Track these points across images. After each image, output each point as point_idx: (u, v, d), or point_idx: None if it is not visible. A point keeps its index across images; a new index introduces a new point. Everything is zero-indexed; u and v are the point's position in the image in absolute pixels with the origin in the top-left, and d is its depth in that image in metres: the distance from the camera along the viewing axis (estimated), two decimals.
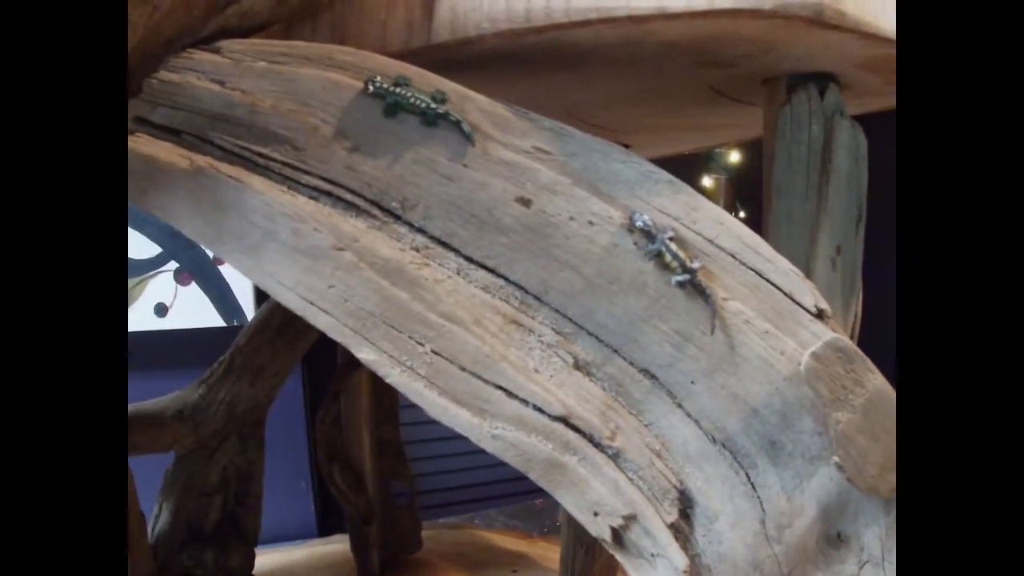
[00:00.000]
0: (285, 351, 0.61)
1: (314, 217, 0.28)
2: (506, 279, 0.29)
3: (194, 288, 0.92)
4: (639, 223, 0.28)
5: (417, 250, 0.29)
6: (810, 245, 0.34)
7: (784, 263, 0.30)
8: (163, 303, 0.89)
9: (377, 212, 0.29)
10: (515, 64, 0.34)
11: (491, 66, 0.34)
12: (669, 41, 0.30)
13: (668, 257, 0.28)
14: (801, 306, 0.30)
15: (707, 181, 1.20)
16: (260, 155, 0.30)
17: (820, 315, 0.30)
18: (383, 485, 0.68)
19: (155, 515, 0.62)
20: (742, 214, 1.22)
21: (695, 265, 0.28)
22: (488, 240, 0.28)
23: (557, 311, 0.29)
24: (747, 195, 1.16)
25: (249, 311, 0.92)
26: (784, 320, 0.30)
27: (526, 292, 0.29)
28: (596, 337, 0.30)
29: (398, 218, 0.29)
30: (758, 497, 0.32)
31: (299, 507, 0.96)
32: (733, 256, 0.29)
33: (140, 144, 0.32)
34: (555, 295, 0.29)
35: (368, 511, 0.65)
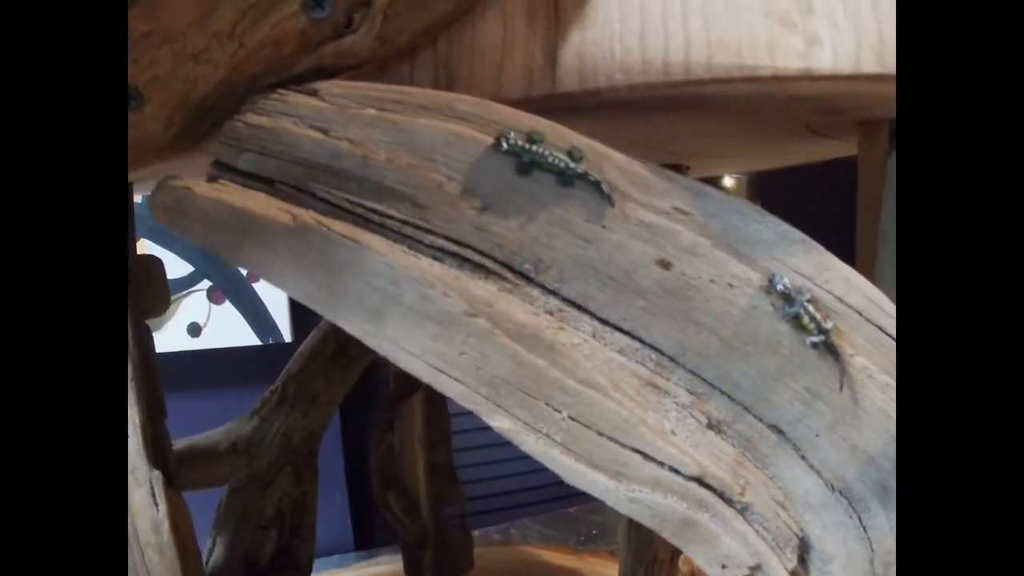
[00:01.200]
0: (339, 378, 0.60)
1: (443, 281, 0.28)
2: (642, 341, 0.28)
3: (228, 307, 0.90)
4: (779, 286, 0.28)
5: (551, 313, 0.28)
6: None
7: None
8: (196, 323, 0.87)
9: (508, 274, 0.28)
10: (615, 106, 0.34)
11: (584, 106, 0.34)
12: (797, 96, 0.29)
13: (806, 319, 0.28)
14: None
15: (728, 181, 1.20)
16: (375, 212, 0.29)
17: None
18: (435, 508, 0.68)
19: (208, 549, 0.61)
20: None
21: (828, 325, 0.28)
22: (626, 303, 0.28)
23: (692, 372, 0.29)
24: (766, 195, 1.16)
25: (285, 329, 0.91)
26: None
27: (662, 354, 0.29)
28: (729, 396, 0.30)
29: (530, 280, 0.28)
30: (868, 538, 0.32)
31: (335, 521, 0.96)
32: (859, 313, 0.29)
33: (228, 194, 0.31)
34: (691, 356, 0.28)
35: (423, 536, 0.65)
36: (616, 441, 0.28)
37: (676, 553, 0.61)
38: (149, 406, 0.49)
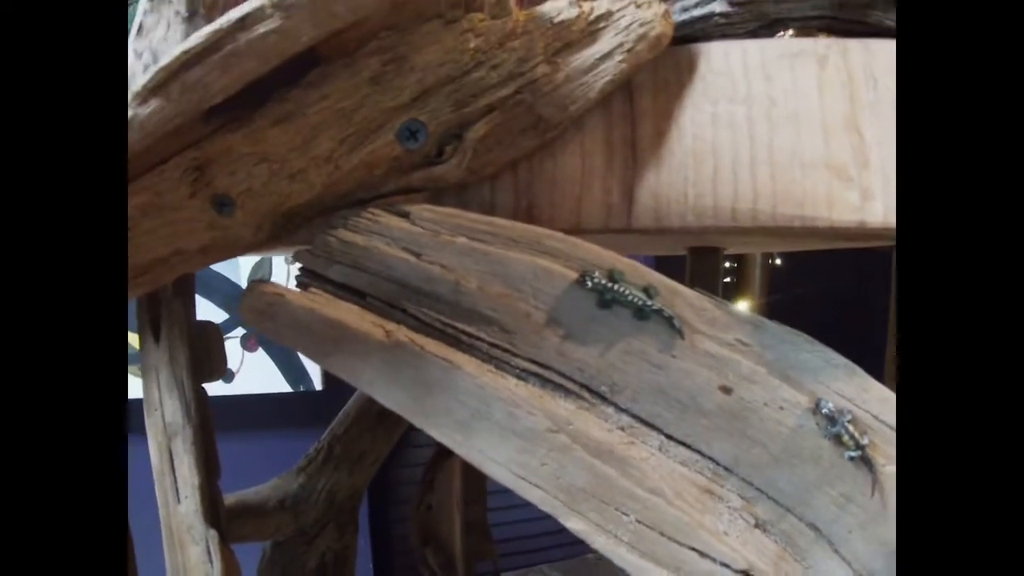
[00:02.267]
0: (384, 437, 0.64)
1: (528, 401, 0.31)
2: (702, 454, 0.32)
3: (261, 354, 0.94)
4: (824, 409, 0.31)
5: (623, 429, 0.32)
6: None
7: None
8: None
9: (586, 395, 0.32)
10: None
11: None
12: (850, 237, 0.33)
13: (845, 437, 0.32)
14: None
15: None
16: (466, 333, 0.33)
17: None
18: (469, 563, 0.71)
19: None
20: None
21: (865, 441, 0.32)
22: (690, 421, 0.31)
23: (744, 480, 0.33)
24: None
25: (315, 377, 0.95)
26: None
27: (718, 465, 0.32)
28: (775, 500, 0.33)
29: (606, 400, 0.32)
30: None
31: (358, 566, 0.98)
32: (891, 428, 0.33)
33: (320, 304, 0.34)
34: (744, 467, 0.32)
35: None
36: (676, 541, 0.32)
37: None
38: (207, 467, 0.52)
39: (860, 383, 0.34)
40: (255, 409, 0.81)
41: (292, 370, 1.01)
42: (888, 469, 0.35)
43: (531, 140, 0.33)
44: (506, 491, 0.33)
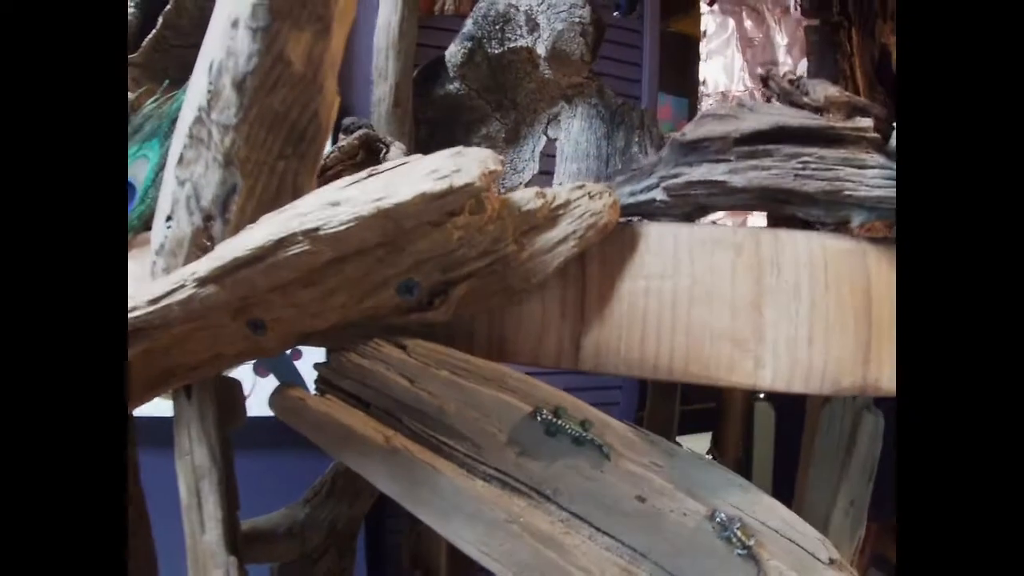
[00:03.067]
0: None
1: (490, 499, 0.45)
2: (622, 543, 0.45)
3: (271, 380, 1.08)
4: (718, 518, 0.44)
5: (562, 522, 0.45)
6: (831, 501, 0.50)
7: (811, 531, 0.47)
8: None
9: (535, 496, 0.45)
10: None
11: None
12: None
13: (734, 539, 0.45)
14: (819, 559, 0.47)
15: None
16: (446, 444, 0.46)
17: (832, 562, 0.47)
18: None
19: None
20: None
21: (751, 543, 0.45)
22: (613, 519, 0.45)
23: (655, 564, 0.46)
24: None
25: None
26: (807, 570, 0.47)
27: (635, 551, 0.46)
28: None
29: (550, 500, 0.45)
30: None
31: None
32: (776, 532, 0.46)
33: (334, 409, 0.47)
34: (655, 555, 0.45)
35: None
36: None
37: None
38: (229, 501, 0.67)
39: (752, 497, 0.47)
40: (265, 429, 0.95)
41: None
42: (772, 563, 0.48)
43: (501, 300, 0.45)
44: None
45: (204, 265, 0.40)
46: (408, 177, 0.38)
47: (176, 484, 0.74)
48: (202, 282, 0.40)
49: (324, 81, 0.49)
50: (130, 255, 0.62)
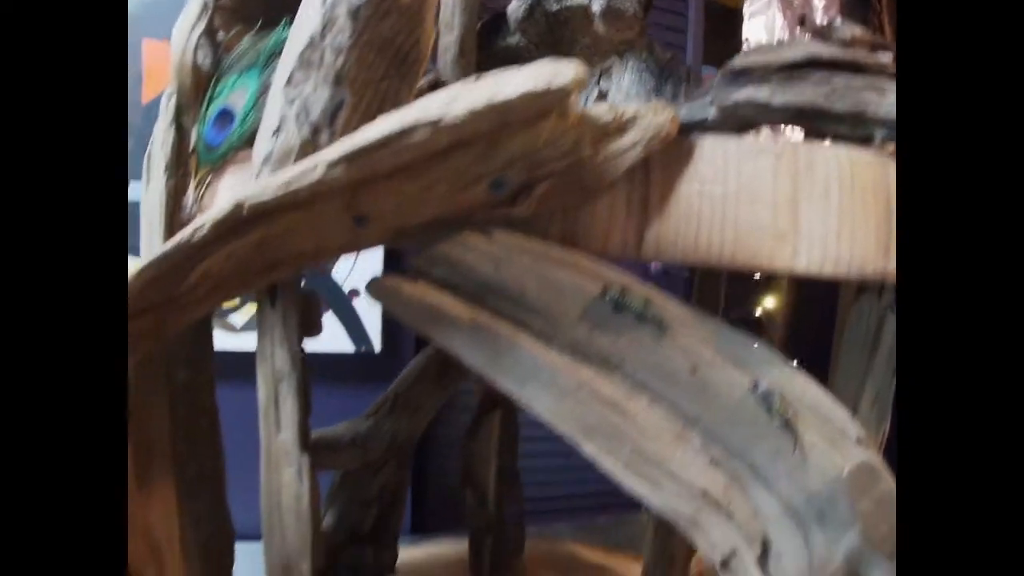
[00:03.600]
0: (438, 394, 0.89)
1: (563, 369, 0.55)
2: (676, 410, 0.56)
3: (330, 316, 1.20)
4: (761, 388, 0.55)
5: (626, 390, 0.56)
6: (859, 393, 0.61)
7: (841, 411, 0.57)
8: None
9: (602, 367, 0.56)
10: None
11: None
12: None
13: (774, 409, 0.55)
14: (848, 436, 0.57)
15: None
16: (525, 320, 0.57)
17: (859, 441, 0.57)
18: (500, 503, 0.97)
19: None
20: None
21: (789, 414, 0.56)
22: (669, 388, 0.55)
23: (704, 430, 0.56)
24: None
25: (376, 340, 1.21)
26: (837, 444, 0.56)
27: (687, 418, 0.56)
28: (724, 446, 0.57)
29: (615, 369, 0.56)
30: (808, 548, 0.59)
31: None
32: (811, 408, 0.56)
33: (425, 293, 0.58)
34: (704, 422, 0.56)
35: (488, 524, 0.94)
36: (656, 465, 0.56)
37: (689, 556, 0.89)
38: (303, 405, 0.78)
39: (790, 374, 0.57)
40: (322, 365, 1.06)
41: (356, 333, 1.28)
42: (809, 435, 0.58)
43: (576, 198, 0.56)
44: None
45: (335, 150, 0.51)
46: (513, 80, 0.48)
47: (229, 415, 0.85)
48: (332, 164, 0.50)
49: (426, 13, 0.60)
50: (228, 171, 0.74)
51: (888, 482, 0.57)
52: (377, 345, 1.28)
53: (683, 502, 0.56)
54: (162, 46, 1.19)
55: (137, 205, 1.14)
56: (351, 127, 0.59)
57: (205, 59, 0.76)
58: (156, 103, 1.18)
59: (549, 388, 0.55)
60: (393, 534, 0.91)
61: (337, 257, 0.64)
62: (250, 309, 1.22)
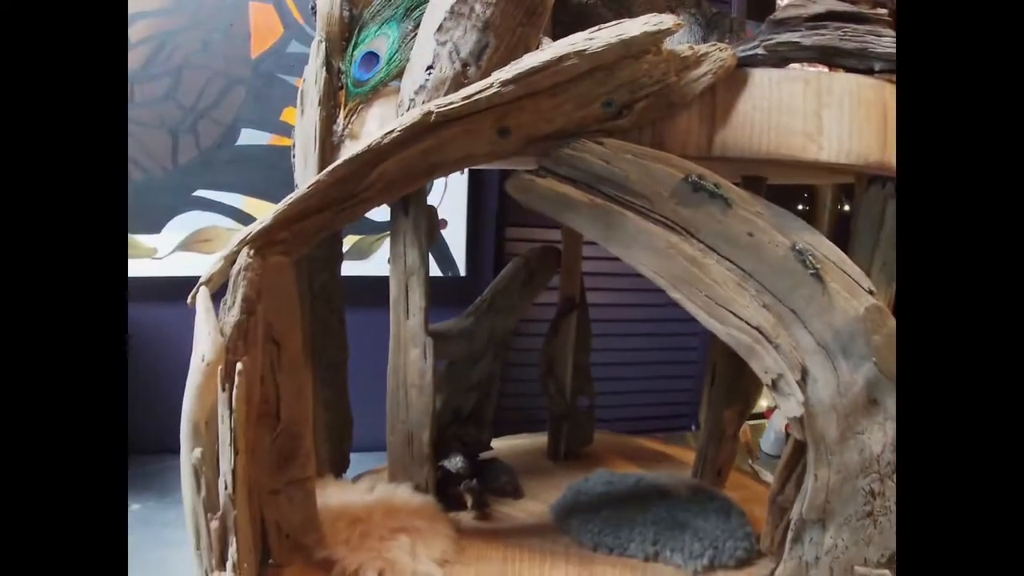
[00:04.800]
0: (527, 297, 1.21)
1: (658, 234, 0.88)
2: (736, 266, 0.89)
3: None
4: (798, 247, 0.88)
5: (701, 251, 0.89)
6: (870, 262, 0.94)
7: (856, 269, 0.90)
8: None
9: (685, 233, 0.89)
10: (735, 161, 0.95)
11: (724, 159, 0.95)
12: (816, 168, 0.90)
13: (808, 262, 0.89)
14: (862, 287, 0.91)
15: None
16: (629, 201, 0.90)
17: (871, 292, 0.91)
18: (574, 395, 1.30)
19: None
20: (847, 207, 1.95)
21: (819, 267, 0.89)
22: (732, 250, 0.88)
23: (758, 281, 0.89)
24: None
25: (461, 266, 1.55)
26: (854, 292, 0.89)
27: (744, 271, 0.89)
28: (772, 293, 0.90)
29: (693, 236, 0.89)
30: (836, 373, 0.92)
31: None
32: (834, 264, 0.89)
33: (554, 185, 0.91)
34: (757, 275, 0.88)
35: (564, 412, 1.26)
36: (723, 307, 0.88)
37: (736, 431, 1.23)
38: (427, 298, 1.11)
39: (819, 239, 0.90)
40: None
41: (444, 259, 1.61)
42: (832, 285, 0.91)
43: (666, 112, 0.89)
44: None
45: (507, 72, 0.83)
46: (633, 24, 0.81)
47: None
48: (505, 83, 0.83)
49: None
50: (375, 102, 1.07)
51: (893, 322, 0.90)
52: (463, 270, 1.61)
53: (743, 335, 0.89)
54: (266, 8, 1.54)
55: (135, 183, 1.46)
56: (494, 64, 0.92)
57: (346, 12, 1.08)
58: (263, 58, 1.53)
59: (647, 249, 0.88)
60: (489, 417, 1.23)
61: (479, 164, 0.96)
62: (350, 240, 1.56)
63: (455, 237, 1.56)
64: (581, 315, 1.29)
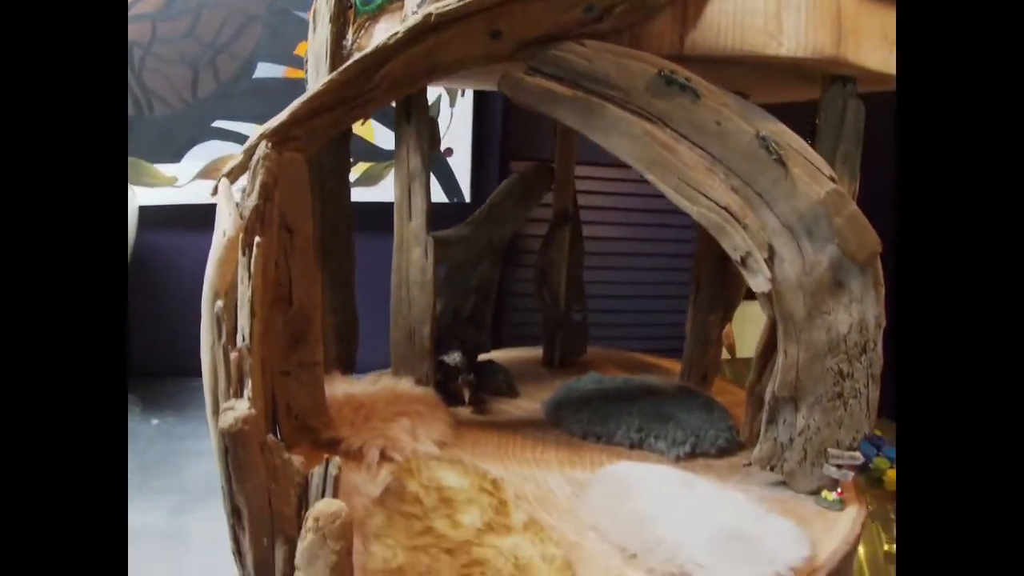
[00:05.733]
0: (522, 208, 1.34)
1: (634, 122, 1.01)
2: (706, 151, 1.01)
3: None
4: (762, 134, 1.00)
5: (674, 138, 1.02)
6: (833, 155, 1.06)
7: (817, 156, 1.02)
8: None
9: (659, 122, 1.02)
10: (706, 61, 1.08)
11: (694, 59, 1.08)
12: (788, 65, 1.02)
13: (771, 148, 1.01)
14: (823, 173, 1.03)
15: None
16: (608, 94, 1.02)
17: (831, 179, 1.03)
18: (568, 306, 1.43)
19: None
20: None
21: (781, 152, 1.01)
22: (702, 136, 1.00)
23: (726, 166, 1.01)
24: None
25: (466, 192, 1.70)
26: (816, 177, 1.00)
27: (714, 157, 1.01)
28: (739, 177, 1.01)
29: (666, 125, 1.01)
30: (802, 253, 1.04)
31: None
32: (797, 151, 1.01)
33: (539, 82, 1.03)
34: (726, 160, 1.00)
35: (558, 322, 1.39)
36: (694, 188, 1.01)
37: (720, 335, 1.35)
38: (429, 200, 1.24)
39: (782, 128, 1.01)
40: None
41: (449, 186, 1.76)
42: (795, 169, 1.03)
43: (641, 16, 1.01)
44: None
45: None
46: None
47: None
48: None
49: None
50: (381, 19, 1.20)
51: (854, 206, 1.03)
52: (468, 196, 1.76)
53: (713, 214, 1.01)
54: None
55: (157, 117, 1.59)
56: None
57: None
58: None
59: (625, 136, 1.01)
60: (487, 320, 1.35)
61: (476, 66, 1.10)
62: (362, 167, 1.70)
63: (461, 165, 1.70)
64: (575, 229, 1.42)
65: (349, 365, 1.31)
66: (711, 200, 1.00)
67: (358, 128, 1.69)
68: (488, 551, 0.83)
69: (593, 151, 1.12)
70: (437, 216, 1.24)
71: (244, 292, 0.94)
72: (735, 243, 1.00)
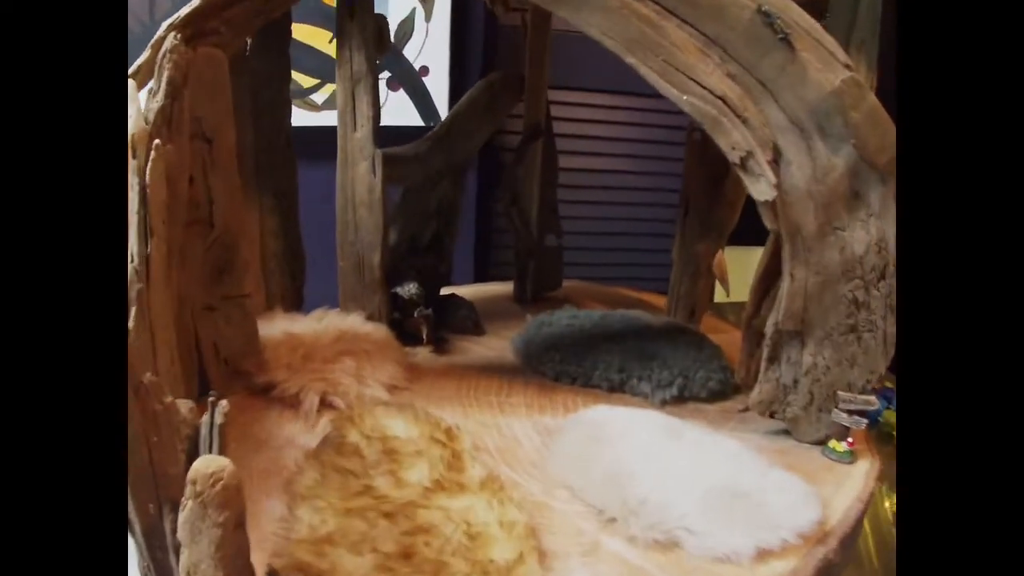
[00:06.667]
0: (487, 122, 1.18)
1: None
2: (698, 30, 0.85)
3: (401, 94, 1.52)
4: (764, 9, 0.84)
5: (658, 12, 0.85)
6: (845, 43, 0.90)
7: (830, 39, 0.86)
8: None
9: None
10: None
11: None
12: None
13: (776, 26, 0.85)
14: (838, 59, 0.87)
15: None
16: None
17: (847, 66, 0.87)
18: (541, 232, 1.27)
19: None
20: None
21: (788, 31, 0.85)
22: (693, 11, 0.82)
23: (722, 48, 0.85)
24: None
25: (444, 114, 1.55)
26: (829, 65, 0.85)
27: (708, 38, 0.85)
28: (738, 62, 0.85)
29: (655, 2, 0.86)
30: (812, 156, 0.89)
31: (463, 258, 1.58)
32: (806, 31, 0.85)
33: None
34: (722, 40, 0.84)
35: (530, 249, 1.23)
36: (683, 73, 0.84)
37: (710, 265, 1.20)
38: (376, 107, 1.07)
39: (787, 2, 0.87)
40: (394, 138, 1.29)
41: (425, 109, 1.60)
42: (804, 54, 0.86)
43: None
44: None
45: None
46: None
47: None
48: None
49: None
50: None
51: (873, 99, 0.86)
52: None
53: (707, 105, 0.85)
54: None
55: None
56: None
57: None
58: None
59: (599, 9, 0.83)
60: (450, 247, 1.19)
61: None
62: (330, 88, 1.54)
63: (438, 86, 1.55)
64: (547, 146, 1.25)
65: (296, 302, 1.15)
66: (704, 88, 0.84)
67: (328, 46, 1.53)
68: (435, 514, 0.68)
69: (569, 74, 0.94)
70: (414, 141, 1.07)
71: (134, 204, 0.77)
72: (733, 140, 0.84)
